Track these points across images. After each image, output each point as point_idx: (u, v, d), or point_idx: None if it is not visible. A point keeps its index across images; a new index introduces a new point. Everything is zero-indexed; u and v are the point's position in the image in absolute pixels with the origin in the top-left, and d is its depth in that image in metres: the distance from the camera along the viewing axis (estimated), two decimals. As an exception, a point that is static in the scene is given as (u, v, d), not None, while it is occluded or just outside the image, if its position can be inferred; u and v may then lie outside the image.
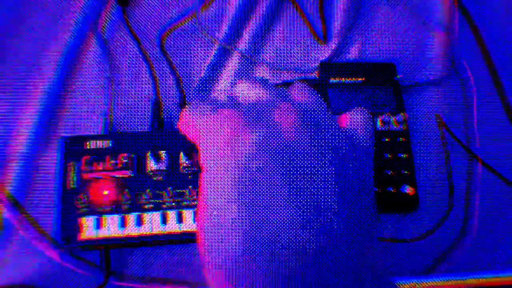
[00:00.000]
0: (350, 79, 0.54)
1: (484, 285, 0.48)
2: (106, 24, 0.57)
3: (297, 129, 0.27)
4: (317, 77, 0.55)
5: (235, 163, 0.26)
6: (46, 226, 0.48)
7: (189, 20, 0.58)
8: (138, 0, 0.59)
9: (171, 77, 0.55)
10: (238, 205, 0.25)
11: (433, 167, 0.53)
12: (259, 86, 0.31)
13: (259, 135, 0.26)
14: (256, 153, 0.26)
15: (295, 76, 0.56)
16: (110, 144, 0.47)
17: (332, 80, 0.54)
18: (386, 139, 0.52)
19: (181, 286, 0.47)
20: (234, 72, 0.56)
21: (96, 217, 0.44)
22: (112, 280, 0.47)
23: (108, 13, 0.57)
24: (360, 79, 0.54)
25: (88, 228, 0.44)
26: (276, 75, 0.57)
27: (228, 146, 0.26)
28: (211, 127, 0.28)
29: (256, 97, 0.30)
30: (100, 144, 0.47)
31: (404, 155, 0.51)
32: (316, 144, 0.27)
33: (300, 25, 0.60)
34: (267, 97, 0.30)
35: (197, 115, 0.29)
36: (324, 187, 0.26)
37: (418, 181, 0.51)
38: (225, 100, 0.31)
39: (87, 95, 0.54)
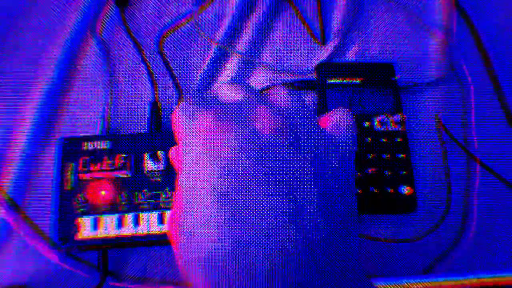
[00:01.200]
0: (348, 79, 0.54)
1: (483, 285, 0.48)
2: (104, 26, 0.57)
3: (276, 130, 0.27)
4: (315, 78, 0.55)
5: (214, 165, 0.26)
6: (43, 226, 0.48)
7: (187, 22, 0.58)
8: (136, 2, 0.59)
9: (169, 78, 0.55)
10: (218, 206, 0.25)
11: (431, 167, 0.53)
12: (241, 90, 0.31)
13: (238, 135, 0.27)
14: (235, 154, 0.26)
15: (293, 77, 0.56)
16: (108, 145, 0.47)
17: (330, 80, 0.54)
18: (384, 140, 0.52)
19: (178, 287, 0.47)
20: (233, 73, 0.56)
21: (93, 217, 0.44)
22: (110, 281, 0.47)
23: (106, 14, 0.58)
24: (358, 80, 0.54)
25: (85, 229, 0.44)
26: (274, 76, 0.57)
27: (207, 147, 0.27)
28: (192, 127, 0.28)
29: (237, 100, 0.31)
30: (97, 145, 0.47)
31: (402, 156, 0.51)
32: (295, 145, 0.27)
33: (298, 26, 0.60)
34: (247, 99, 0.30)
35: (181, 115, 0.29)
36: (303, 187, 0.26)
37: (416, 181, 0.51)
38: (209, 102, 0.31)
39: (85, 96, 0.54)
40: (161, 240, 0.45)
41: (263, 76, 0.57)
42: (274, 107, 0.29)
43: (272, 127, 0.27)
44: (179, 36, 0.58)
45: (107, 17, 0.58)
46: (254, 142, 0.27)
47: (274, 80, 0.56)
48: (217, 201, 0.25)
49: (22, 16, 0.56)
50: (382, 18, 0.61)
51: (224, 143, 0.26)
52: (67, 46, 0.55)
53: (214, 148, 0.26)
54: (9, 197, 0.49)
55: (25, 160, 0.50)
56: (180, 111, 0.30)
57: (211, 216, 0.25)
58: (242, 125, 0.27)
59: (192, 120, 0.28)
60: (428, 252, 0.50)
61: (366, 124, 0.52)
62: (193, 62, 0.57)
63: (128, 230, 0.44)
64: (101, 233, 0.44)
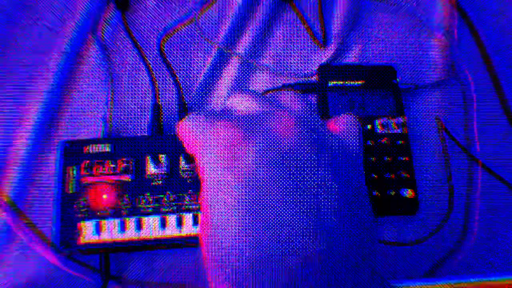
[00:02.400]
0: (349, 82, 0.54)
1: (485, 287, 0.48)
2: (105, 29, 0.57)
3: (295, 135, 0.27)
4: (316, 80, 0.55)
5: (236, 173, 0.26)
6: (45, 230, 0.48)
7: (188, 24, 0.58)
8: (137, 5, 0.59)
9: (170, 81, 0.55)
10: (242, 214, 0.25)
11: (433, 170, 0.53)
12: (251, 98, 0.31)
13: (258, 143, 0.27)
14: (257, 161, 0.26)
15: (294, 80, 0.56)
16: (110, 149, 0.47)
17: (331, 83, 0.54)
18: (386, 142, 0.52)
19: (180, 290, 0.47)
20: (234, 76, 0.56)
21: (95, 221, 0.44)
22: (112, 285, 0.47)
23: (107, 17, 0.58)
24: (359, 82, 0.54)
25: (87, 233, 0.44)
26: (275, 79, 0.57)
27: (228, 156, 0.27)
28: (210, 138, 0.28)
29: (249, 108, 0.31)
30: (99, 148, 0.47)
31: (404, 158, 0.51)
32: (315, 149, 0.27)
33: (299, 28, 0.60)
34: (260, 107, 0.30)
35: (195, 126, 0.29)
36: (324, 190, 0.26)
37: (418, 184, 0.51)
38: (221, 112, 0.31)
39: (86, 100, 0.54)
40: (163, 244, 0.45)
41: (264, 79, 0.57)
42: (288, 113, 0.29)
43: (292, 131, 0.28)
44: (180, 39, 0.58)
45: (108, 20, 0.58)
46: (274, 149, 0.27)
47: (275, 83, 0.56)
48: (242, 209, 0.25)
49: (23, 20, 0.56)
50: (383, 20, 0.61)
51: (244, 151, 0.26)
52: (69, 49, 0.55)
53: (235, 156, 0.26)
54: (10, 201, 0.49)
55: (26, 163, 0.50)
56: (190, 121, 0.30)
57: (237, 223, 0.25)
58: (260, 132, 0.28)
59: (206, 130, 0.28)
60: (430, 255, 0.50)
61: (368, 126, 0.52)
62: (195, 65, 0.57)
63: (130, 234, 0.44)
64: (103, 237, 0.44)
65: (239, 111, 0.31)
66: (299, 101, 0.31)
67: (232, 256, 0.25)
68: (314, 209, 0.25)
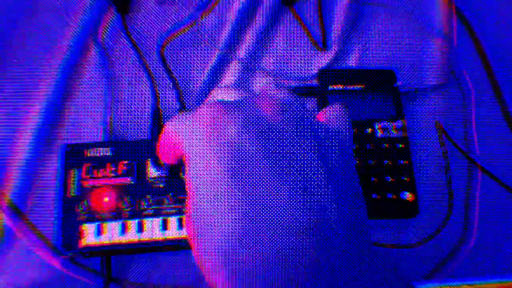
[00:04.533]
0: (349, 86, 0.55)
1: (485, 290, 0.48)
2: (106, 33, 0.57)
3: (280, 120, 0.27)
4: (317, 84, 0.55)
5: (221, 154, 0.26)
6: (47, 233, 0.48)
7: (189, 28, 0.59)
8: (138, 9, 0.59)
9: (170, 84, 0.55)
10: (228, 196, 0.25)
11: (432, 173, 0.54)
12: (238, 92, 0.31)
13: (242, 123, 0.26)
14: (242, 141, 0.26)
15: (294, 83, 0.57)
16: (111, 152, 0.47)
17: (331, 87, 0.54)
18: (386, 146, 0.52)
19: (181, 293, 0.47)
20: (234, 80, 0.57)
21: (97, 224, 0.44)
22: (113, 287, 0.47)
23: (107, 21, 0.58)
24: (359, 86, 0.55)
25: (89, 235, 0.44)
26: (276, 83, 0.57)
27: (212, 138, 0.26)
28: (192, 125, 0.28)
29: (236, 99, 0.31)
30: (100, 151, 0.47)
31: (404, 162, 0.51)
32: (300, 132, 0.27)
33: (300, 32, 0.60)
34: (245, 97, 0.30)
35: (175, 122, 0.29)
36: (312, 171, 0.26)
37: (417, 187, 0.51)
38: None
39: (87, 103, 0.54)
40: (164, 246, 0.45)
41: (264, 82, 0.57)
42: (275, 99, 0.29)
43: (277, 112, 0.28)
44: (181, 43, 0.58)
45: (108, 24, 0.58)
46: (260, 129, 0.27)
47: (275, 86, 0.57)
48: (229, 190, 0.25)
49: (24, 24, 0.56)
50: (383, 24, 0.61)
51: (228, 131, 0.26)
52: (69, 53, 0.55)
53: (219, 136, 0.26)
54: (12, 204, 0.49)
55: (28, 167, 0.50)
56: (175, 119, 0.29)
57: (225, 207, 0.25)
58: (247, 111, 0.27)
59: (191, 121, 0.28)
60: (429, 258, 0.50)
61: (368, 130, 0.52)
62: (195, 69, 0.57)
63: (131, 236, 0.44)
64: (104, 239, 0.44)
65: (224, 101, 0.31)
66: (284, 93, 0.31)
67: (222, 240, 0.25)
68: (301, 189, 0.25)
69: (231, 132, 0.26)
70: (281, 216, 0.24)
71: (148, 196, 0.45)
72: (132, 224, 0.44)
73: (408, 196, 0.50)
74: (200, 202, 0.26)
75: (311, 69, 0.58)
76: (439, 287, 0.48)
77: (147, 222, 0.45)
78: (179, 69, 0.57)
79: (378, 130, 0.53)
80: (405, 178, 0.51)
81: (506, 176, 0.54)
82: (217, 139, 0.26)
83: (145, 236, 0.44)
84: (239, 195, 0.25)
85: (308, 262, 0.23)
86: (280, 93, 0.31)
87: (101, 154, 0.47)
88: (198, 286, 0.47)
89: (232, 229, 0.24)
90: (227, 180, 0.25)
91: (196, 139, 0.27)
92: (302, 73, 0.58)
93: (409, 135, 0.53)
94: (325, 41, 0.59)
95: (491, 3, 0.63)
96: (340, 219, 0.25)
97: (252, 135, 0.26)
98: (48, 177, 0.50)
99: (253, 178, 0.25)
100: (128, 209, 0.45)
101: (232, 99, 0.30)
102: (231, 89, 0.31)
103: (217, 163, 0.26)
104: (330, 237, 0.24)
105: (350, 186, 0.28)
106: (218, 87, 0.32)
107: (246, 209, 0.24)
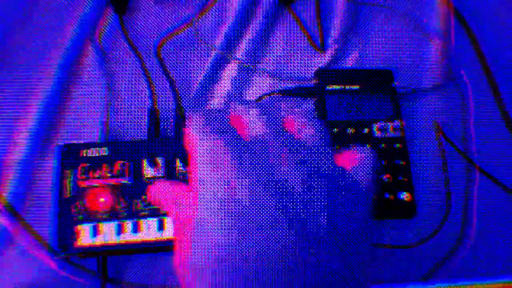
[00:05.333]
0: (347, 86, 0.55)
1: (482, 291, 0.48)
2: (103, 33, 0.57)
3: (293, 161, 0.27)
4: (314, 84, 0.55)
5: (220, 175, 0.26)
6: (43, 233, 0.48)
7: (186, 28, 0.58)
8: (135, 9, 0.59)
9: (167, 85, 0.55)
10: (228, 211, 0.25)
11: (430, 173, 0.54)
12: (252, 111, 0.30)
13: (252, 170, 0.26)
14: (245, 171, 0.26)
15: (292, 84, 0.57)
16: (107, 152, 0.47)
17: (329, 87, 0.54)
18: (383, 146, 0.52)
19: (178, 293, 0.47)
20: (231, 80, 0.57)
21: (93, 224, 0.44)
22: (110, 287, 0.47)
23: (105, 21, 0.58)
24: (357, 86, 0.54)
25: (85, 236, 0.44)
26: (273, 83, 0.57)
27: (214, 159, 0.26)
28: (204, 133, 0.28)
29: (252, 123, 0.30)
30: (96, 152, 0.47)
31: (401, 162, 0.51)
32: (311, 180, 0.26)
33: (298, 32, 0.60)
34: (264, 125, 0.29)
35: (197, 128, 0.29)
36: (315, 209, 0.25)
37: (415, 187, 0.51)
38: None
39: (84, 103, 0.54)
40: (160, 247, 0.45)
41: (262, 83, 0.57)
42: (294, 138, 0.29)
43: (290, 157, 0.27)
44: (178, 43, 0.58)
45: (106, 24, 0.58)
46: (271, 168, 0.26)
47: (273, 87, 0.56)
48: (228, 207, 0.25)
49: (22, 24, 0.56)
50: (381, 25, 0.61)
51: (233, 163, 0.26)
52: (66, 53, 0.55)
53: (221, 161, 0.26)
54: (8, 204, 0.49)
55: (24, 167, 0.50)
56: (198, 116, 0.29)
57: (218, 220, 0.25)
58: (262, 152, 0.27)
59: (208, 125, 0.28)
60: (428, 258, 0.50)
61: (365, 130, 0.52)
62: (192, 69, 0.57)
63: (127, 237, 0.44)
64: (100, 240, 0.44)
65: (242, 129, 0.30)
66: (305, 120, 0.30)
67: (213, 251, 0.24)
68: (301, 224, 0.25)
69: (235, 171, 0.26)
70: (272, 232, 0.24)
71: (144, 197, 0.45)
72: (128, 224, 0.44)
73: (406, 196, 0.50)
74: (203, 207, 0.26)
75: (309, 69, 0.58)
76: (437, 287, 0.48)
77: (144, 223, 0.44)
78: (176, 69, 0.57)
79: (376, 130, 0.52)
80: (402, 178, 0.51)
81: (504, 176, 0.54)
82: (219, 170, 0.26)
83: (141, 237, 0.44)
84: (236, 208, 0.25)
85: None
86: (300, 120, 0.30)
87: (98, 154, 0.47)
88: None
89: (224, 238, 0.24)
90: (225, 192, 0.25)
91: (207, 142, 0.27)
92: (300, 73, 0.58)
93: (406, 135, 0.53)
94: (323, 41, 0.59)
95: (489, 4, 0.63)
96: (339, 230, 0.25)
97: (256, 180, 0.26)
98: (44, 178, 0.50)
99: (248, 192, 0.25)
100: (124, 210, 0.45)
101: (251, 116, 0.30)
102: (254, 109, 0.30)
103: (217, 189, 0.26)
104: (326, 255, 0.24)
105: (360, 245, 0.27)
106: (240, 102, 0.31)
107: (241, 222, 0.24)
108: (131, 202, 0.45)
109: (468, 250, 0.51)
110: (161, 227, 0.44)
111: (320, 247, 0.24)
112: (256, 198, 0.25)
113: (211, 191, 0.26)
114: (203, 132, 0.28)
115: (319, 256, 0.24)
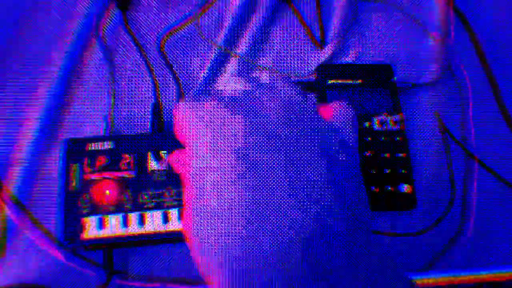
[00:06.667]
0: (348, 80, 0.55)
1: (481, 281, 0.48)
2: (106, 29, 0.58)
3: (285, 120, 0.27)
4: (315, 79, 0.56)
5: (224, 149, 0.26)
6: (49, 226, 0.49)
7: (188, 24, 0.59)
8: (138, 4, 0.59)
9: (170, 79, 0.56)
10: (230, 193, 0.25)
11: (430, 166, 0.54)
12: (243, 80, 0.31)
13: (246, 123, 0.27)
14: (245, 140, 0.26)
15: (293, 79, 0.57)
16: (112, 146, 0.48)
17: (330, 82, 0.55)
18: (384, 139, 0.52)
19: (183, 285, 0.48)
20: (233, 75, 0.57)
21: (98, 217, 0.45)
22: (115, 279, 0.47)
23: (108, 17, 0.58)
24: (358, 81, 0.55)
25: (91, 228, 0.44)
26: (274, 78, 0.57)
27: (217, 135, 0.27)
28: (197, 119, 0.28)
29: (240, 90, 0.30)
30: (101, 145, 0.47)
31: (402, 155, 0.52)
32: (303, 130, 0.27)
33: (298, 28, 0.60)
34: (251, 89, 0.30)
35: (183, 109, 0.29)
36: (317, 175, 0.26)
37: (415, 180, 0.52)
38: (212, 93, 0.30)
39: (88, 98, 0.54)
40: (166, 238, 0.45)
41: (263, 78, 0.57)
42: (279, 97, 0.29)
43: (281, 115, 0.28)
44: (181, 38, 0.58)
45: (109, 20, 0.58)
46: (264, 129, 0.27)
47: (274, 82, 0.57)
48: (234, 186, 0.25)
49: (26, 21, 0.57)
50: (381, 20, 0.61)
51: (232, 129, 0.26)
52: (71, 49, 0.56)
53: (223, 135, 0.26)
54: (15, 198, 0.49)
55: (30, 161, 0.51)
56: (183, 106, 0.29)
57: (224, 204, 0.25)
58: (251, 111, 0.28)
59: (197, 112, 0.28)
60: (427, 249, 0.51)
61: (366, 124, 0.53)
62: (194, 64, 0.57)
63: (133, 229, 0.45)
64: (106, 232, 0.44)
65: (228, 93, 0.31)
66: (290, 88, 0.31)
67: (219, 240, 0.25)
68: (305, 192, 0.25)
69: (235, 127, 0.26)
70: (279, 216, 0.24)
71: (149, 189, 0.46)
72: (134, 217, 0.45)
73: (406, 188, 0.51)
74: (201, 195, 0.26)
75: (309, 64, 0.58)
76: (437, 278, 0.48)
77: (148, 215, 0.45)
78: (179, 64, 0.57)
79: (376, 124, 0.53)
80: (403, 171, 0.51)
81: (503, 169, 0.54)
82: (221, 133, 0.26)
83: (146, 229, 0.45)
84: (242, 192, 0.25)
85: (304, 259, 0.24)
86: (285, 87, 0.31)
87: (103, 147, 0.47)
88: (199, 277, 0.48)
89: (231, 226, 0.25)
90: (230, 176, 0.25)
91: (201, 130, 0.27)
92: (300, 68, 0.58)
93: (406, 129, 0.53)
94: (323, 37, 0.60)
95: (488, -1, 0.64)
96: (339, 217, 0.25)
97: (256, 134, 0.26)
98: (50, 171, 0.50)
99: (255, 176, 0.25)
100: (130, 202, 0.45)
101: (238, 89, 0.30)
102: (238, 79, 0.31)
103: (220, 158, 0.26)
104: (329, 239, 0.24)
105: (352, 183, 0.28)
106: (225, 75, 0.32)
107: (247, 206, 0.25)
108: (136, 195, 0.46)
109: (468, 241, 0.51)
110: (166, 219, 0.45)
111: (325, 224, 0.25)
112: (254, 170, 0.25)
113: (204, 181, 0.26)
114: (190, 121, 0.28)
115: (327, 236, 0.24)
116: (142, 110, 0.54)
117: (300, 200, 0.25)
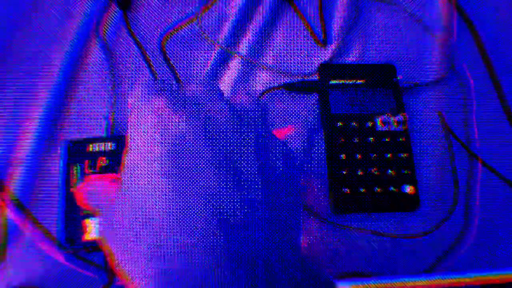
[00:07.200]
0: (350, 80, 0.55)
1: (485, 283, 0.48)
2: (107, 28, 0.57)
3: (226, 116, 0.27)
4: (318, 79, 0.56)
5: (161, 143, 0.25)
6: (50, 228, 0.48)
7: (190, 23, 0.59)
8: (139, 4, 0.59)
9: (171, 79, 0.55)
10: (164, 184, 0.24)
11: (433, 166, 0.54)
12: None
13: (186, 115, 0.26)
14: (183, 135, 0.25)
15: (295, 78, 0.57)
16: (113, 147, 0.47)
17: (332, 81, 0.55)
18: (387, 140, 0.52)
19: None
20: (235, 75, 0.57)
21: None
22: (117, 281, 0.47)
23: (109, 17, 0.58)
24: (360, 81, 0.55)
25: (92, 230, 0.44)
26: (277, 78, 0.57)
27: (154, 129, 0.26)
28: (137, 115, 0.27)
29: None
30: (102, 146, 0.47)
31: (404, 155, 0.52)
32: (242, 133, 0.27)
33: (300, 28, 0.60)
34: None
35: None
36: (246, 163, 0.25)
37: (418, 180, 0.52)
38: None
39: (89, 99, 0.54)
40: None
41: (265, 78, 0.57)
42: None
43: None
44: (182, 38, 0.58)
45: (110, 19, 0.58)
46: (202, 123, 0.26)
47: (277, 81, 0.57)
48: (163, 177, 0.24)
49: (27, 20, 0.57)
50: (383, 19, 0.61)
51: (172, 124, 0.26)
52: (71, 49, 0.55)
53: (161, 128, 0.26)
54: (16, 199, 0.49)
55: (31, 162, 0.50)
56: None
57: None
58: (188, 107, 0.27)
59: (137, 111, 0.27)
60: (430, 251, 0.51)
61: (369, 124, 0.53)
62: (196, 63, 0.57)
63: (134, 230, 0.44)
64: (107, 234, 0.44)
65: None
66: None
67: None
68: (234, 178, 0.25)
69: (175, 124, 0.26)
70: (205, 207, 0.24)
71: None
72: (135, 218, 0.45)
73: (409, 189, 0.50)
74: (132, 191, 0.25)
75: (312, 64, 0.58)
76: (441, 280, 0.48)
77: (150, 216, 0.45)
78: (180, 64, 0.57)
79: (379, 124, 0.53)
80: (405, 172, 0.51)
81: (506, 169, 0.54)
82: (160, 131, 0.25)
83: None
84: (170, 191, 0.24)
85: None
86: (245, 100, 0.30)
87: (103, 148, 0.47)
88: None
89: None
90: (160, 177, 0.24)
91: (140, 129, 0.26)
92: (303, 68, 0.58)
93: (409, 129, 0.53)
94: (326, 36, 0.60)
95: (490, -3, 0.63)
96: (268, 215, 0.25)
97: (194, 128, 0.25)
98: (51, 173, 0.50)
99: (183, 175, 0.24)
100: (131, 204, 0.45)
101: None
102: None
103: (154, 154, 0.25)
104: (257, 231, 0.24)
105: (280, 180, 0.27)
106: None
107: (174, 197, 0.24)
108: (138, 196, 0.45)
109: (471, 242, 0.51)
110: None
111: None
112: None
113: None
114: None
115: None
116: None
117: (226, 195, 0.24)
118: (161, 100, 0.26)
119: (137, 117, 0.27)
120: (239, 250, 0.23)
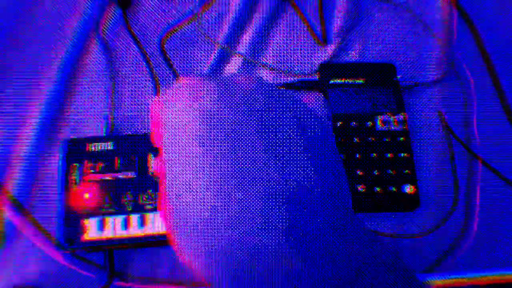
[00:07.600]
0: (350, 79, 0.55)
1: (485, 283, 0.48)
2: (107, 27, 0.57)
3: (258, 98, 0.26)
4: (318, 78, 0.55)
5: (199, 128, 0.25)
6: (49, 228, 0.48)
7: (190, 22, 0.59)
8: (138, 3, 0.59)
9: (171, 78, 0.55)
10: (207, 183, 0.24)
11: (433, 166, 0.54)
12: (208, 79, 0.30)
13: (218, 94, 0.25)
14: (219, 114, 0.25)
15: (295, 78, 0.57)
16: (112, 146, 0.47)
17: (332, 81, 0.55)
18: (387, 139, 0.52)
19: (184, 286, 0.47)
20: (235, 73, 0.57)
21: (99, 218, 0.44)
22: (116, 281, 0.47)
23: (109, 16, 0.58)
24: (360, 80, 0.55)
25: (91, 230, 0.44)
26: (276, 77, 0.57)
27: (190, 110, 0.25)
28: (169, 99, 0.26)
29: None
30: (101, 146, 0.47)
31: (405, 155, 0.52)
32: (277, 103, 0.26)
33: (300, 27, 0.60)
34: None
35: (160, 101, 0.27)
36: (289, 139, 0.25)
37: (419, 180, 0.51)
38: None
39: (88, 98, 0.54)
40: (167, 240, 0.45)
41: (265, 77, 0.57)
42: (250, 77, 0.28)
43: (251, 86, 0.27)
44: (182, 37, 0.58)
45: (109, 18, 0.58)
46: (236, 101, 0.26)
47: (277, 81, 0.57)
48: (207, 177, 0.24)
49: (26, 20, 0.57)
50: (383, 18, 0.61)
51: (205, 102, 0.25)
52: (71, 48, 0.55)
53: (195, 109, 0.25)
54: (14, 199, 0.49)
55: (30, 162, 0.50)
56: (161, 97, 0.27)
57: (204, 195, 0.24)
58: (221, 86, 0.26)
59: (169, 94, 0.26)
60: (430, 251, 0.51)
61: (369, 123, 0.53)
62: (196, 63, 0.57)
63: (134, 230, 0.44)
64: (107, 234, 0.44)
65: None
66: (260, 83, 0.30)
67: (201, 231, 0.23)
68: (282, 175, 0.24)
69: (207, 103, 0.25)
70: (257, 188, 0.23)
71: (150, 190, 0.46)
72: (134, 218, 0.45)
73: (409, 189, 0.50)
74: (177, 185, 0.25)
75: (312, 63, 0.58)
76: (441, 280, 0.48)
77: (149, 216, 0.45)
78: (180, 63, 0.57)
79: (379, 124, 0.53)
80: (406, 171, 0.51)
81: (506, 169, 0.54)
82: (194, 112, 0.25)
83: (147, 230, 0.44)
84: (214, 171, 0.24)
85: (285, 230, 0.23)
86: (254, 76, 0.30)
87: (103, 148, 0.47)
88: (200, 279, 0.47)
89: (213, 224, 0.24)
90: (203, 157, 0.23)
91: (174, 112, 0.25)
92: (303, 67, 0.58)
93: (409, 128, 0.53)
94: (326, 35, 0.59)
95: (491, -3, 0.63)
96: (318, 185, 0.24)
97: (228, 107, 0.25)
98: (50, 172, 0.50)
99: (228, 151, 0.24)
100: (130, 203, 0.45)
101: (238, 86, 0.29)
102: (202, 77, 0.29)
103: (194, 140, 0.24)
104: (307, 206, 0.23)
105: (329, 155, 0.27)
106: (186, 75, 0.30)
107: (222, 185, 0.23)
108: (137, 196, 0.45)
109: (472, 242, 0.51)
110: (167, 220, 0.45)
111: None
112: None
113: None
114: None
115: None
116: (143, 110, 0.54)
117: (274, 175, 0.24)
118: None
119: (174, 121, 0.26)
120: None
